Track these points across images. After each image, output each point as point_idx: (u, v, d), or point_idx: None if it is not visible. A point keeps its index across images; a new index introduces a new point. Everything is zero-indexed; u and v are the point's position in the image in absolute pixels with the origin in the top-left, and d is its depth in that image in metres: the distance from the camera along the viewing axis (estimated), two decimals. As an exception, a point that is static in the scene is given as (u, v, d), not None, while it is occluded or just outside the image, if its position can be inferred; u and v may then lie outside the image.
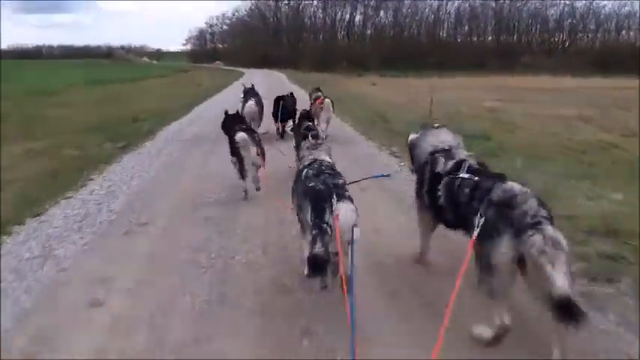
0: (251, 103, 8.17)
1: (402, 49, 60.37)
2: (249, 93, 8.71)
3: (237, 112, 6.29)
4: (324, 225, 2.53)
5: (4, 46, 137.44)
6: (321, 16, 72.89)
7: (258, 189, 5.21)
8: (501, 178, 2.61)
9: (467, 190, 2.68)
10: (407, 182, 5.10)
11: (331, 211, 2.59)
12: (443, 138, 3.24)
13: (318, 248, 2.44)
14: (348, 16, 71.37)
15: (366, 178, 5.00)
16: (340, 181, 2.93)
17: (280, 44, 71.59)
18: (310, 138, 3.87)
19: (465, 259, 2.42)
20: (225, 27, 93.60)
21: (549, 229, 2.21)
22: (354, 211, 2.71)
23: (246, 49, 72.48)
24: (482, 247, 2.41)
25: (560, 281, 2.07)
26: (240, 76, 40.14)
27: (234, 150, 5.07)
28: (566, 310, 2.05)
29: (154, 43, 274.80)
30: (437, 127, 3.47)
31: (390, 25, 70.42)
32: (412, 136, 3.56)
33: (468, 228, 2.64)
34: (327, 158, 3.40)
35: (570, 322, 2.06)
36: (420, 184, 3.28)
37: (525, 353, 2.52)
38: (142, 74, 38.27)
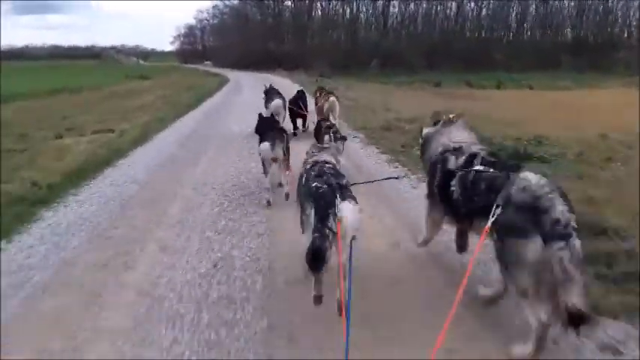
0: (278, 101, 8.84)
1: (455, 45, 44.53)
2: (271, 92, 9.31)
3: (272, 115, 6.94)
4: (326, 230, 2.55)
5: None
6: (338, 3, 55.62)
7: (286, 196, 5.06)
8: (516, 168, 2.68)
9: (482, 183, 2.71)
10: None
11: (335, 214, 2.60)
12: (459, 135, 3.21)
13: (318, 242, 2.49)
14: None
15: (376, 181, 4.76)
16: (343, 181, 2.91)
17: (282, 39, 55.47)
18: (331, 135, 4.94)
19: (471, 258, 2.49)
20: (215, 20, 77.65)
21: (577, 244, 2.29)
22: (358, 212, 2.75)
23: (240, 46, 56.54)
24: (506, 246, 2.48)
25: (575, 297, 2.22)
26: (218, 89, 23.57)
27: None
28: (579, 321, 2.23)
29: (151, 44, 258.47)
30: (453, 122, 3.36)
31: (433, 15, 52.80)
32: (426, 131, 3.53)
33: (480, 219, 2.65)
34: (332, 159, 3.42)
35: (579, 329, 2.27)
36: (431, 178, 3.27)
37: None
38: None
